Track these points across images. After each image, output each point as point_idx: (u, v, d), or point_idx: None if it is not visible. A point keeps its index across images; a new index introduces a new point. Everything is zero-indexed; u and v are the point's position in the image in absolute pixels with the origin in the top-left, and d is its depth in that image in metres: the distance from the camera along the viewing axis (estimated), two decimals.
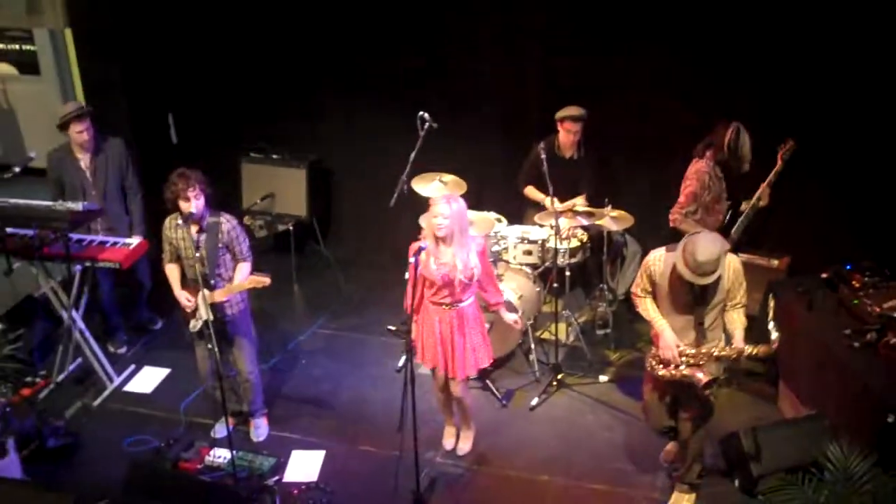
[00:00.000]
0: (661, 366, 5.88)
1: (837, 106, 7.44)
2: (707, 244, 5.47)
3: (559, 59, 8.20)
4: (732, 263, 5.68)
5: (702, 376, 5.69)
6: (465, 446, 6.91)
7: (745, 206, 7.05)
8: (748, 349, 5.66)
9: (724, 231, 6.94)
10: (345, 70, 8.80)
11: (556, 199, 7.40)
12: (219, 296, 6.48)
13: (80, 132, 7.39)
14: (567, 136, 7.80)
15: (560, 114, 7.77)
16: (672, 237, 6.39)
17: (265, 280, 6.38)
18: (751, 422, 6.74)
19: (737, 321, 5.74)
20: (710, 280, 5.51)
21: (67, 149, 7.56)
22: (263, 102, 9.18)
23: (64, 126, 7.39)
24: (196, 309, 6.49)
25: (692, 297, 5.72)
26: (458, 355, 6.35)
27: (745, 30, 7.52)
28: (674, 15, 7.62)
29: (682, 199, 6.99)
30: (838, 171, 7.52)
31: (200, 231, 6.44)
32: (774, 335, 5.57)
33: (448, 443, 6.94)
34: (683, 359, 5.78)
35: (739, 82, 7.63)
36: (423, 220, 6.84)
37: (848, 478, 5.16)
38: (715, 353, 5.72)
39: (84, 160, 7.55)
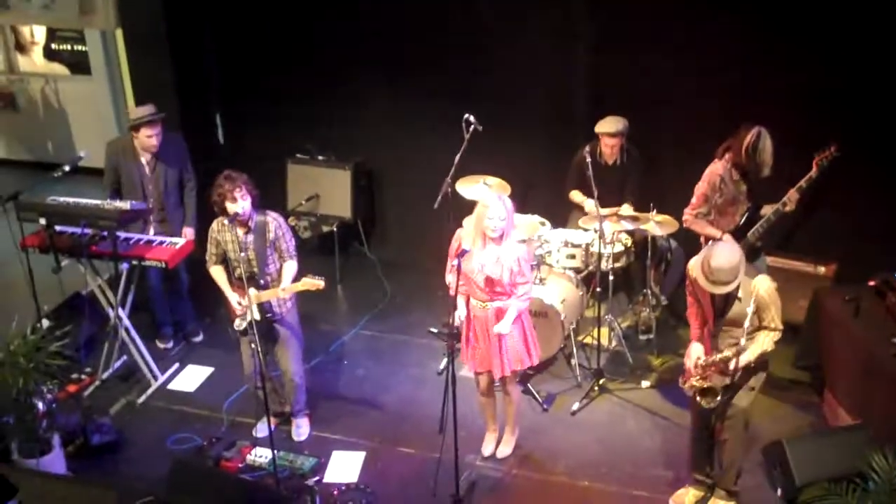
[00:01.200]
0: (682, 378, 5.94)
1: (888, 110, 7.38)
2: (724, 252, 5.46)
3: (606, 62, 8.17)
4: (760, 288, 5.60)
5: (696, 382, 5.80)
6: (506, 449, 6.90)
7: (766, 210, 6.91)
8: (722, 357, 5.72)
9: (739, 233, 6.86)
10: (390, 72, 8.83)
11: (598, 203, 7.35)
12: (266, 296, 6.52)
13: (149, 136, 7.46)
14: (606, 147, 7.82)
15: (597, 128, 7.79)
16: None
17: (319, 284, 6.36)
18: (795, 430, 6.70)
19: (758, 338, 5.70)
20: (723, 290, 5.50)
21: (129, 144, 7.63)
22: (309, 103, 9.21)
23: (135, 128, 7.47)
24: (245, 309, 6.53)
25: (713, 309, 5.75)
26: (502, 351, 6.34)
27: (795, 32, 7.47)
28: (722, 18, 7.57)
29: (694, 200, 6.97)
30: (888, 176, 7.44)
31: (248, 232, 6.50)
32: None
33: (487, 449, 6.92)
34: (697, 369, 5.81)
35: (788, 87, 7.56)
36: (468, 222, 6.82)
37: (893, 488, 5.11)
38: (713, 360, 5.75)
39: (145, 156, 7.62)
